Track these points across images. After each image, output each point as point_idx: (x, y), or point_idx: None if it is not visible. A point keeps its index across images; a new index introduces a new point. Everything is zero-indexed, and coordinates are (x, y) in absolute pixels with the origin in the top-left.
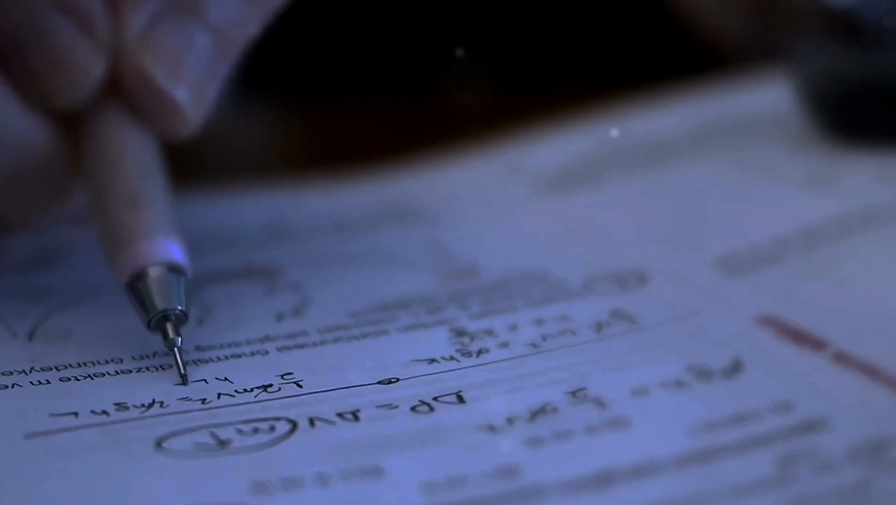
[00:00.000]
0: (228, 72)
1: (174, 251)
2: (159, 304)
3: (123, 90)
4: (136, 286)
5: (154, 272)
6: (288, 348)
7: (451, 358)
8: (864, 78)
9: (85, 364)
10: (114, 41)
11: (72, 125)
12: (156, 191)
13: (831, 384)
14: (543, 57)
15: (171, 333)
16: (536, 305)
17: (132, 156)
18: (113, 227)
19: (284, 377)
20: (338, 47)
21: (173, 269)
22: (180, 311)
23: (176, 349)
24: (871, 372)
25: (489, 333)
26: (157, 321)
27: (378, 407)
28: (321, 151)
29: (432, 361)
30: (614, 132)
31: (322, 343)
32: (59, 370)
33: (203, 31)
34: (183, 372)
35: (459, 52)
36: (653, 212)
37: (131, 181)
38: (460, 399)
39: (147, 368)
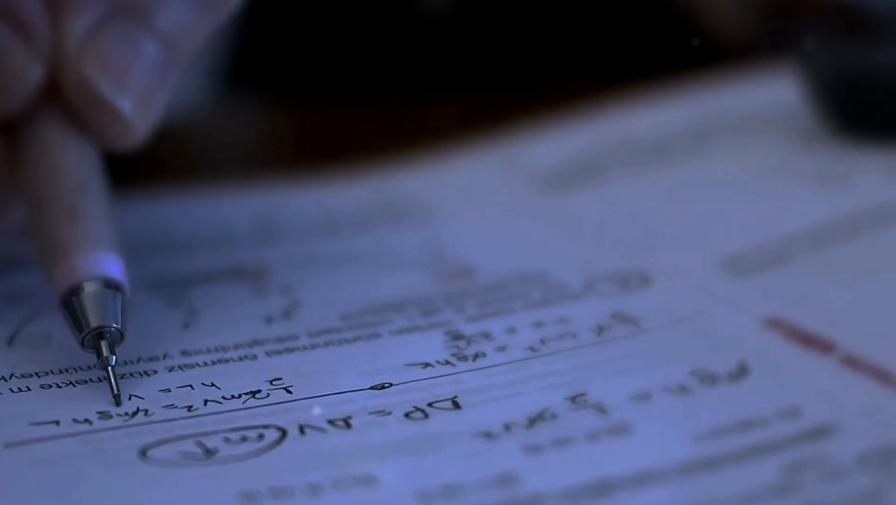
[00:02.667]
0: (178, 80)
1: (112, 266)
2: (93, 320)
3: (65, 99)
4: (70, 302)
5: (89, 288)
6: (277, 352)
7: (447, 362)
8: (874, 73)
9: (66, 371)
10: (53, 47)
11: (10, 134)
12: (95, 203)
13: (840, 389)
14: (542, 50)
15: (104, 352)
16: (535, 307)
17: (70, 167)
18: (49, 240)
19: (273, 383)
20: (328, 42)
21: (110, 285)
22: (115, 328)
23: (109, 369)
24: (881, 376)
25: (486, 336)
26: (91, 339)
27: (371, 413)
28: (311, 148)
29: (427, 365)
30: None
31: (312, 347)
32: (39, 377)
33: (151, 38)
34: (116, 392)
35: (455, 46)
36: (655, 210)
37: (69, 193)
38: (456, 405)
39: (131, 375)
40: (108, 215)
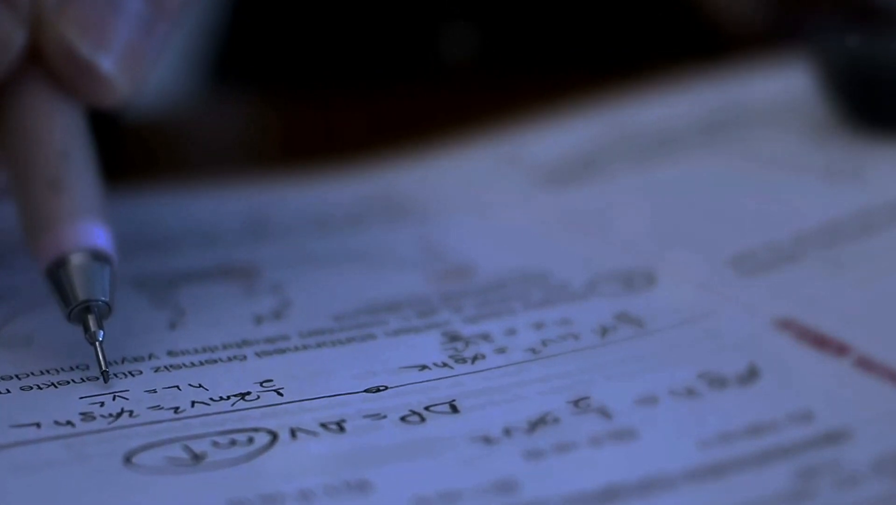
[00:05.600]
0: (168, 34)
1: (98, 237)
2: (81, 293)
3: (45, 62)
4: (56, 274)
5: (76, 259)
6: (267, 354)
7: (444, 364)
8: (888, 64)
9: (48, 371)
10: (34, 8)
11: None
12: (79, 171)
13: (854, 392)
14: (542, 39)
15: (92, 326)
16: (536, 307)
17: (53, 134)
18: (32, 210)
19: (264, 385)
20: (319, 32)
21: (98, 256)
22: (103, 302)
23: (97, 343)
24: None
25: (485, 337)
26: (78, 313)
27: (365, 417)
28: (303, 143)
29: (423, 367)
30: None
31: (304, 348)
32: (20, 378)
33: None
34: (104, 368)
35: (450, 35)
36: (661, 207)
37: (52, 161)
38: (454, 409)
39: (115, 375)
40: (93, 183)
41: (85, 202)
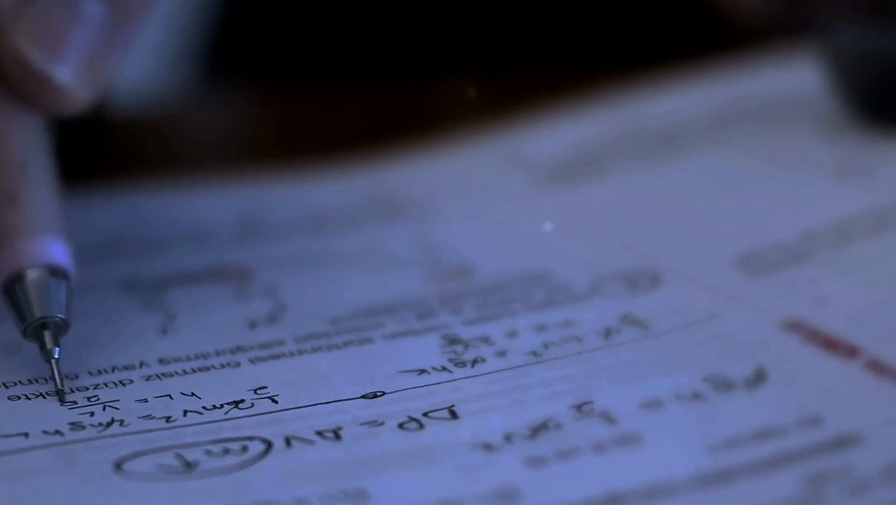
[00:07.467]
0: (131, 40)
1: (56, 252)
2: (37, 310)
3: (2, 72)
4: (12, 290)
5: (32, 275)
6: (262, 359)
7: (443, 369)
8: None
9: (36, 381)
10: None
11: None
12: (38, 185)
13: (864, 396)
14: (544, 33)
15: (48, 343)
16: (537, 309)
17: (12, 146)
18: None
19: (258, 392)
20: (315, 25)
21: (55, 272)
22: (60, 318)
23: (53, 361)
24: None
25: (485, 340)
26: (34, 329)
27: (362, 424)
28: (297, 140)
29: (422, 372)
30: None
31: (300, 353)
32: (7, 387)
33: None
34: (59, 387)
35: (450, 29)
36: (666, 205)
37: (8, 174)
38: (453, 414)
39: (105, 385)
40: (52, 196)
41: (43, 216)
